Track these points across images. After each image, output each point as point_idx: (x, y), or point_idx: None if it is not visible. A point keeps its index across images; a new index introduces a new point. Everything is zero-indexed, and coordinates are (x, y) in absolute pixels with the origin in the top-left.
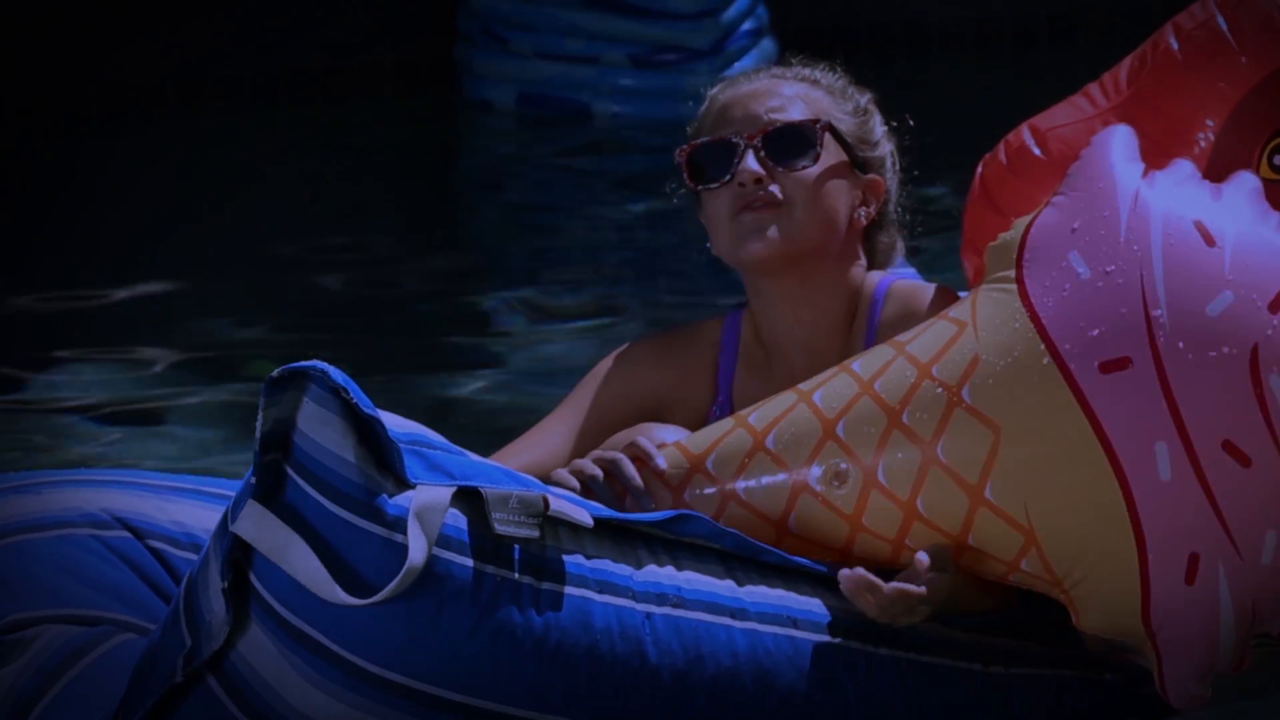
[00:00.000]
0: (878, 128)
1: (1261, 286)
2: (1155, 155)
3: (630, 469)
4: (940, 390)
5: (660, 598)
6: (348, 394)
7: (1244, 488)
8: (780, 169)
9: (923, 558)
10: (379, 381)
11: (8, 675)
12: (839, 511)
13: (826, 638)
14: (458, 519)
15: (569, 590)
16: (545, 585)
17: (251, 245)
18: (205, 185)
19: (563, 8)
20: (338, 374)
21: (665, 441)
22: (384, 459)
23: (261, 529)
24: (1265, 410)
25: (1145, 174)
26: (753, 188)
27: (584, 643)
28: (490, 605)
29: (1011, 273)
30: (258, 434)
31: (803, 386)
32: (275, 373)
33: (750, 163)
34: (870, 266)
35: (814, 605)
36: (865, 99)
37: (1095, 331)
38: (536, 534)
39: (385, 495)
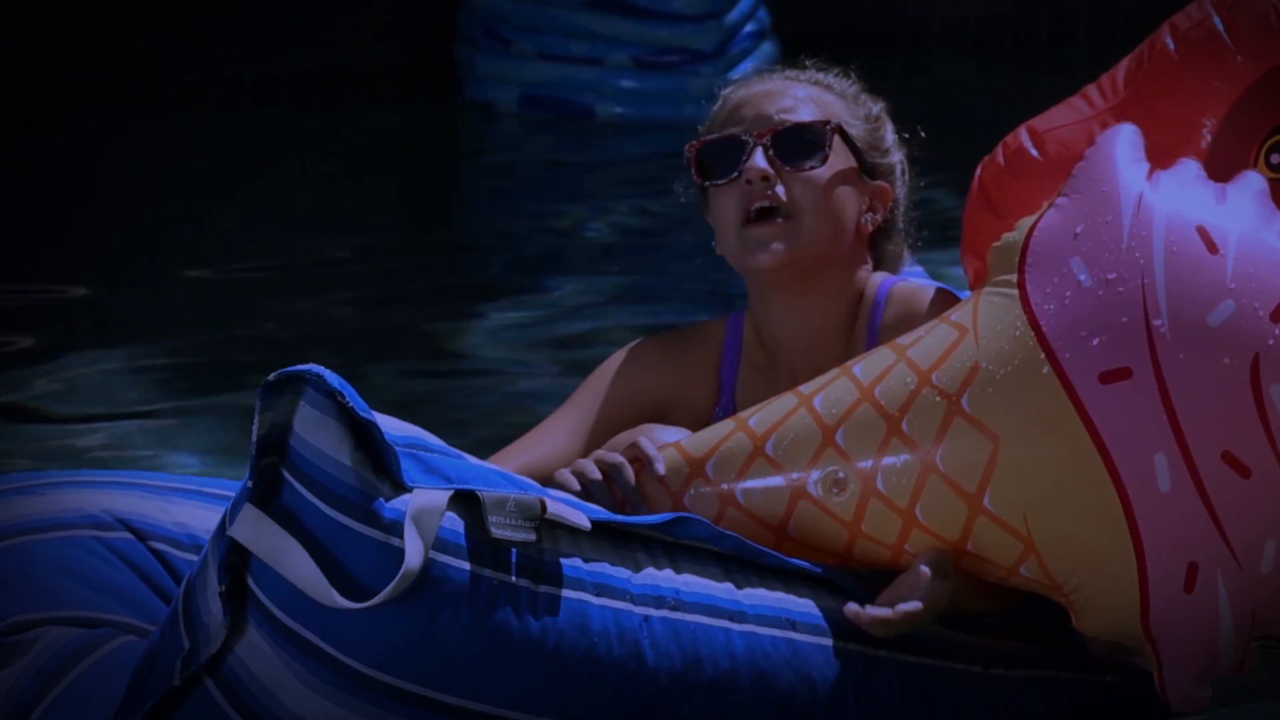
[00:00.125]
0: (888, 136)
1: (1264, 295)
2: (1155, 155)
3: (629, 474)
4: (940, 399)
5: (658, 600)
6: (344, 398)
7: (1244, 498)
8: (788, 169)
9: (925, 570)
10: (379, 382)
11: (8, 677)
12: (838, 518)
13: (825, 640)
14: (455, 522)
15: (566, 593)
16: (542, 588)
17: (252, 246)
18: (205, 186)
19: (566, 9)
20: (333, 378)
21: (666, 442)
22: (381, 462)
23: (258, 533)
24: (1266, 421)
25: (1150, 174)
26: (759, 185)
27: (581, 646)
28: (487, 609)
29: (1013, 277)
30: (254, 438)
31: (803, 389)
32: (271, 377)
33: (758, 160)
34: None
35: (813, 607)
36: (878, 108)
37: (1095, 341)
38: (533, 537)
39: (382, 499)
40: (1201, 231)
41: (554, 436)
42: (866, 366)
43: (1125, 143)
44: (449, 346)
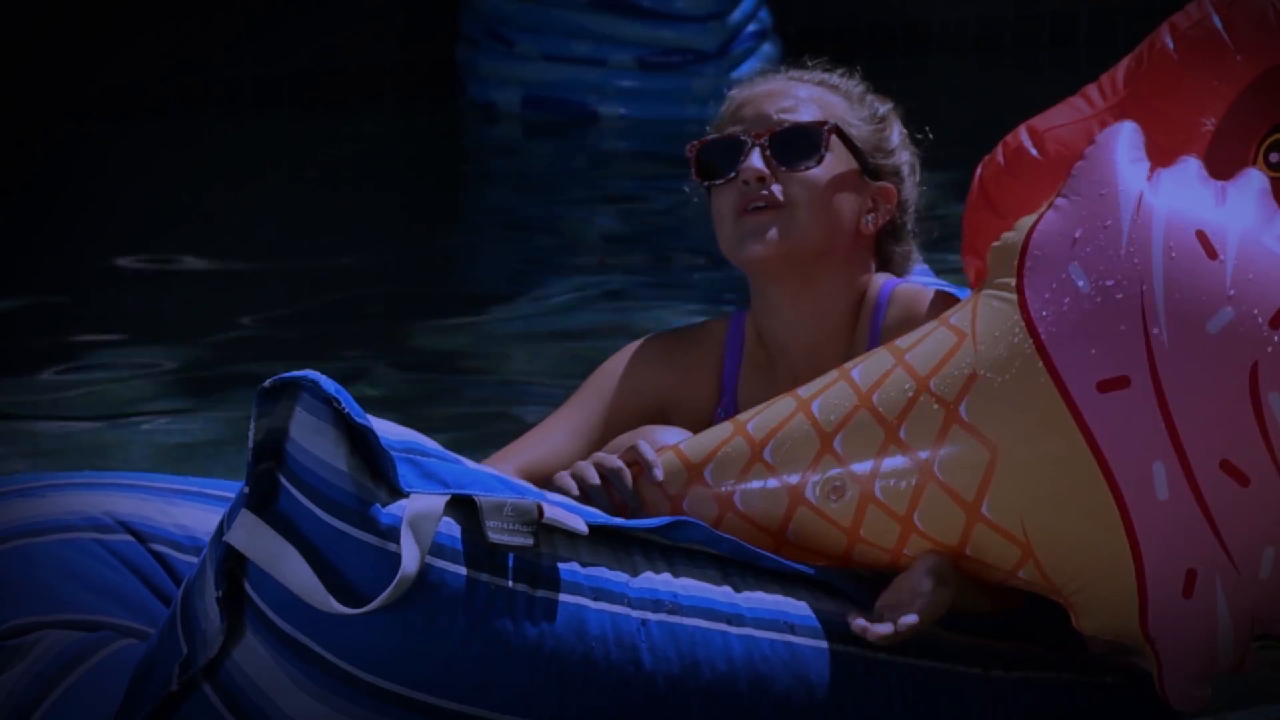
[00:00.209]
0: (894, 137)
1: (1263, 302)
2: (1156, 154)
3: (627, 479)
4: (938, 406)
5: (656, 604)
6: (339, 403)
7: (1242, 506)
8: (783, 169)
9: (926, 581)
10: (380, 383)
11: (7, 680)
12: (836, 523)
13: (824, 643)
14: (451, 527)
15: (564, 598)
16: (540, 593)
17: (252, 247)
18: (205, 186)
19: (569, 10)
20: (329, 384)
21: (666, 444)
22: (377, 468)
23: (254, 538)
24: (1264, 429)
25: (1151, 173)
26: (755, 185)
27: (579, 650)
28: (484, 613)
29: (1013, 280)
30: (250, 444)
31: (802, 393)
32: (267, 383)
33: (754, 160)
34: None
35: (811, 610)
36: (885, 108)
37: (1093, 350)
38: (530, 542)
39: (378, 504)
40: (1201, 236)
41: (556, 435)
42: (865, 370)
43: (1125, 142)
44: (451, 347)
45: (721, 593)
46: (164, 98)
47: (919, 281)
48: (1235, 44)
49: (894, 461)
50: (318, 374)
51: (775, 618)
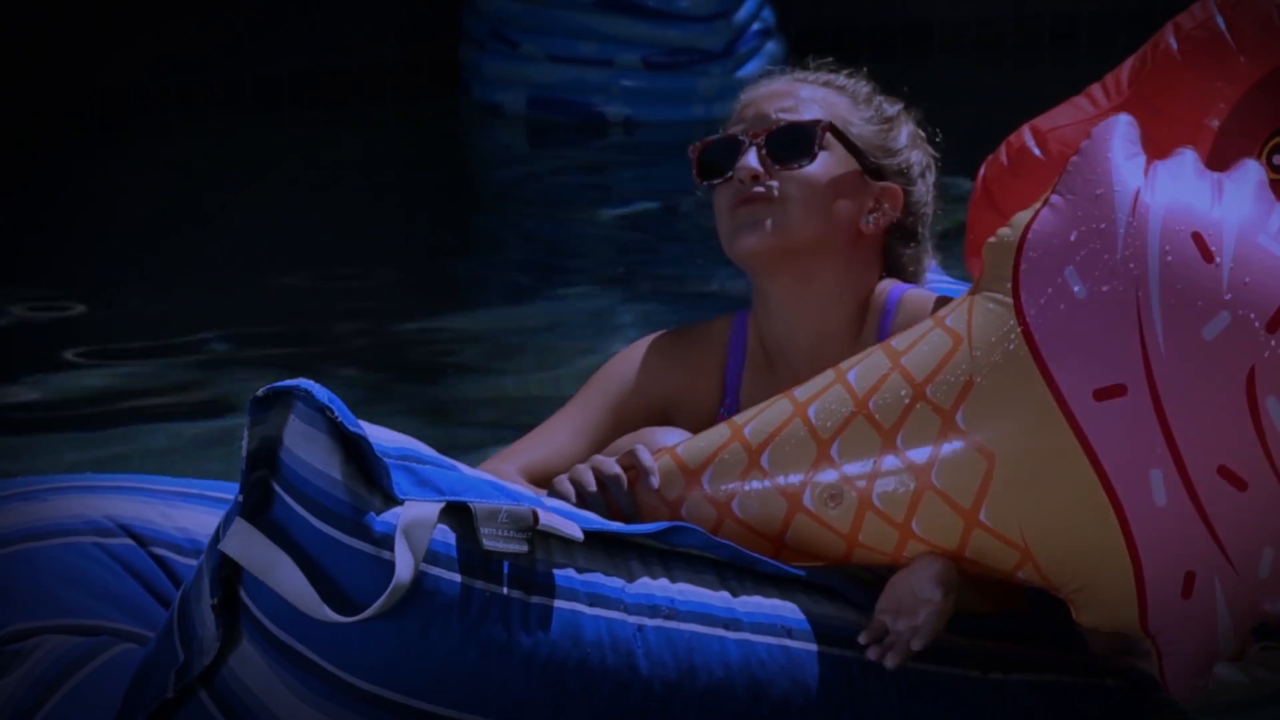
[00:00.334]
0: (901, 137)
1: (1260, 305)
2: (1153, 148)
3: (624, 487)
4: (934, 414)
5: (653, 610)
6: (333, 412)
7: (1240, 510)
8: (778, 167)
9: (933, 592)
10: (382, 384)
11: (7, 685)
12: (835, 530)
13: (821, 647)
14: (446, 534)
15: (559, 604)
16: (534, 599)
17: (253, 248)
18: (206, 188)
19: (574, 11)
20: (322, 392)
21: (665, 447)
22: (372, 476)
23: (248, 547)
24: (1261, 434)
25: (1147, 167)
26: (749, 184)
27: (574, 656)
28: (479, 620)
29: (1008, 283)
30: (244, 452)
31: (798, 395)
32: (260, 392)
33: (750, 159)
34: (893, 278)
35: (809, 614)
36: (894, 109)
37: (1090, 358)
38: (525, 549)
39: (373, 512)
40: (1197, 238)
41: (559, 435)
42: (861, 374)
43: (1121, 136)
44: (452, 348)
45: (718, 598)
46: (164, 98)
47: (930, 288)
48: (1239, 45)
49: (891, 469)
50: (311, 383)
51: (772, 622)
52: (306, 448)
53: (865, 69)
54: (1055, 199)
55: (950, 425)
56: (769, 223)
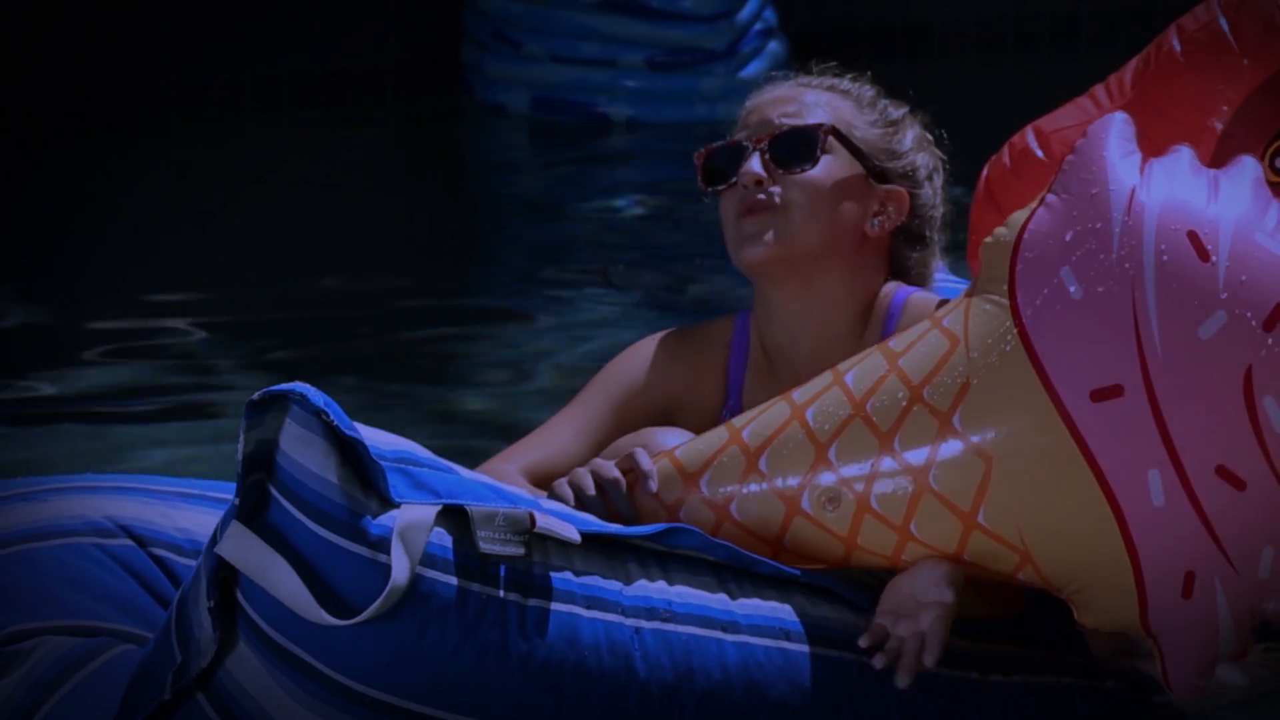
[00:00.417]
0: (906, 140)
1: (1256, 303)
2: (1149, 146)
3: (623, 492)
4: (931, 417)
5: (650, 612)
6: (328, 416)
7: (1238, 510)
8: (781, 172)
9: (946, 594)
10: (384, 385)
11: (6, 686)
12: (833, 533)
13: (820, 649)
14: (443, 537)
15: (556, 606)
16: (531, 602)
17: (253, 248)
18: (206, 188)
19: (577, 11)
20: (318, 396)
21: (667, 447)
22: (368, 479)
23: (244, 550)
24: (1259, 433)
25: (1143, 165)
26: (753, 189)
27: (571, 659)
28: (475, 623)
29: (1004, 285)
30: (240, 456)
31: (797, 397)
32: (256, 395)
33: (753, 165)
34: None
35: (808, 616)
36: (899, 113)
37: (1086, 358)
38: (522, 551)
39: (369, 515)
40: (1193, 237)
41: (561, 434)
42: (858, 376)
43: (1116, 134)
44: (453, 348)
45: (717, 600)
46: (164, 98)
47: (937, 290)
48: (1242, 47)
49: (889, 472)
50: (306, 386)
51: (770, 624)
52: (303, 451)
53: (870, 73)
54: (1051, 198)
55: (947, 427)
56: (773, 233)
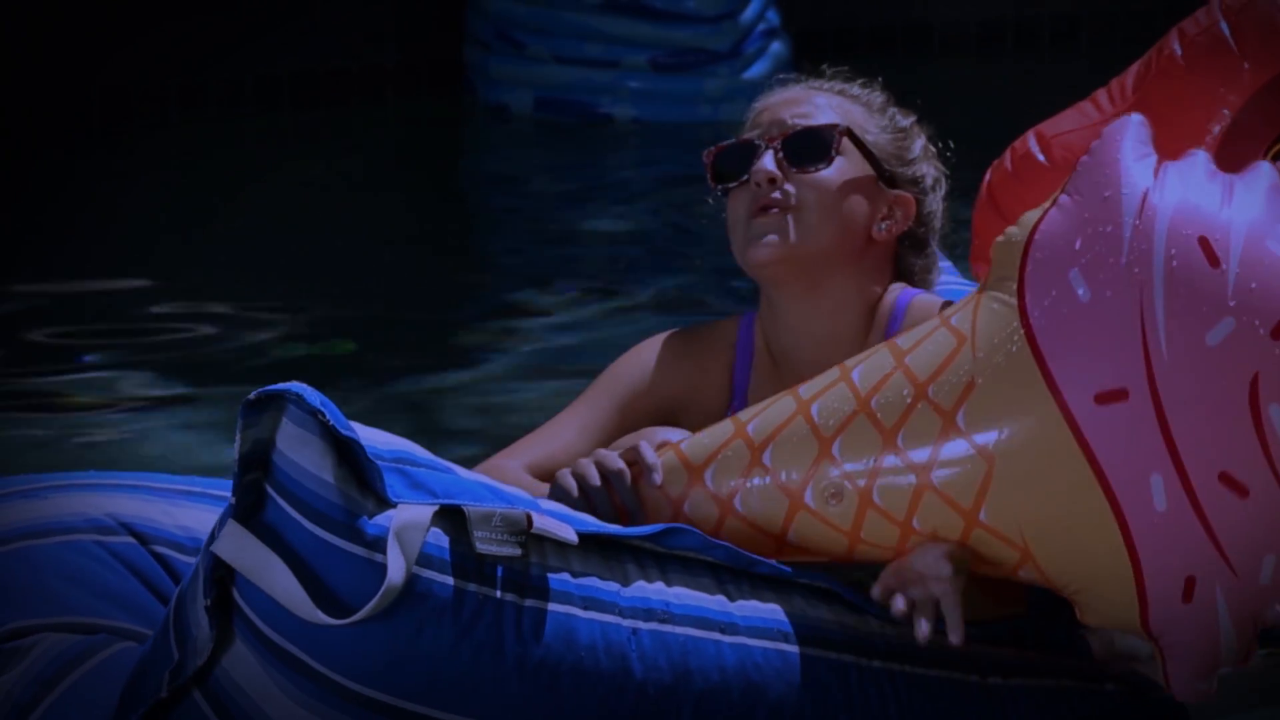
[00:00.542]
0: (915, 148)
1: (1264, 311)
2: (1165, 149)
3: (627, 481)
4: (935, 415)
5: (648, 613)
6: (324, 416)
7: (1241, 517)
8: (794, 170)
9: (944, 568)
10: (386, 385)
11: (5, 683)
12: (836, 527)
13: (818, 651)
14: (440, 538)
15: (553, 607)
16: (528, 602)
17: (253, 248)
18: (207, 188)
19: (580, 12)
20: (314, 396)
21: (669, 441)
22: (365, 479)
23: (240, 549)
24: (1264, 441)
25: (1158, 168)
26: (766, 188)
27: (568, 659)
28: (471, 623)
29: (1014, 284)
30: (236, 455)
31: (802, 392)
32: (252, 396)
33: (766, 163)
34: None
35: (806, 618)
36: (908, 121)
37: (1092, 360)
38: (519, 552)
39: (365, 515)
40: (1204, 243)
41: (565, 432)
42: (865, 372)
43: (1132, 136)
44: (454, 349)
45: (715, 601)
46: (164, 98)
47: (941, 291)
48: (1242, 51)
49: (891, 468)
50: (303, 386)
51: (769, 626)
52: (299, 451)
53: (880, 79)
54: (1064, 199)
55: (951, 425)
56: (785, 233)
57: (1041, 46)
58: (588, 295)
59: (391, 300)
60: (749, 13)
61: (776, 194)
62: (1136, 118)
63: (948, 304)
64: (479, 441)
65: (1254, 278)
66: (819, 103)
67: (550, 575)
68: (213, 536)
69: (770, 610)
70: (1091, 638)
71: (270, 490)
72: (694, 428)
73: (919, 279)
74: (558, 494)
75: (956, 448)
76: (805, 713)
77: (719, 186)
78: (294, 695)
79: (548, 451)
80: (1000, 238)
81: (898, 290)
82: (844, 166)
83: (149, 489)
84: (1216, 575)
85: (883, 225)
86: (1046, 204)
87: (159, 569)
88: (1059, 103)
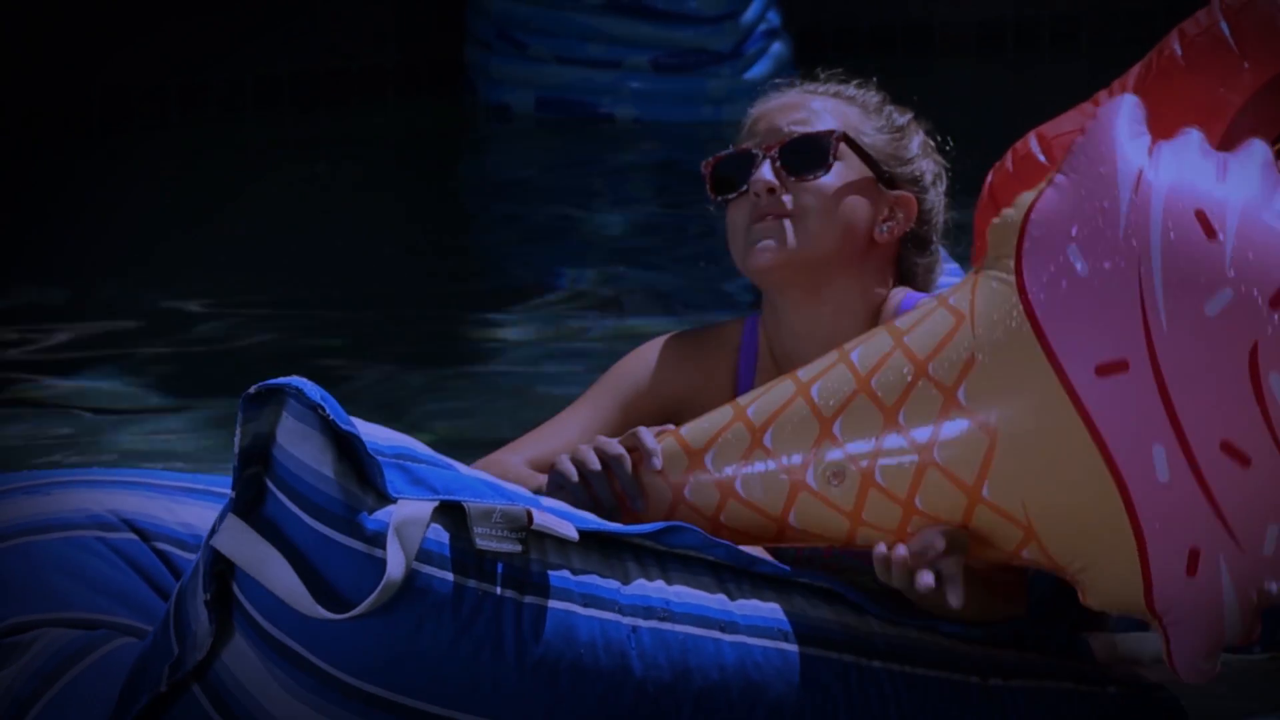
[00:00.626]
0: (913, 146)
1: (1262, 281)
2: (1158, 128)
3: (627, 467)
4: (936, 392)
5: (648, 611)
6: (324, 410)
7: (1244, 486)
8: (793, 179)
9: (938, 541)
10: (387, 384)
11: (5, 678)
12: (838, 508)
13: (818, 650)
14: (440, 533)
15: (552, 604)
16: (528, 599)
17: (253, 248)
18: (207, 188)
19: (582, 12)
20: (314, 390)
21: (669, 429)
22: (364, 474)
23: (240, 543)
24: (1265, 410)
25: (1152, 148)
26: (766, 197)
27: (568, 656)
28: (471, 619)
29: (1011, 262)
30: (236, 449)
31: (802, 375)
32: (252, 389)
33: (765, 172)
34: (906, 286)
35: (807, 617)
36: (904, 118)
37: (1092, 333)
38: (519, 548)
39: (365, 510)
40: (1200, 216)
41: (568, 429)
42: (864, 353)
43: (1126, 115)
44: (454, 349)
45: (715, 600)
46: (164, 98)
47: (947, 284)
48: (1242, 51)
49: (893, 445)
50: (303, 380)
51: (769, 625)
52: (299, 445)
53: (875, 79)
54: (1059, 178)
55: (952, 401)
56: (786, 239)
57: (1041, 46)
58: (589, 296)
59: (391, 300)
60: (750, 13)
61: (776, 204)
62: (1130, 98)
63: None
64: (479, 441)
65: (1251, 249)
66: (815, 107)
67: (550, 572)
68: (213, 531)
69: (770, 609)
70: (1093, 640)
71: (270, 484)
72: None
73: (922, 279)
74: (556, 480)
75: (958, 423)
76: (805, 712)
77: (719, 198)
78: (293, 690)
79: (550, 448)
80: (996, 220)
81: (901, 294)
82: (843, 171)
83: (151, 486)
84: (1220, 546)
85: (884, 227)
86: (1042, 184)
87: (161, 565)
88: (1059, 103)
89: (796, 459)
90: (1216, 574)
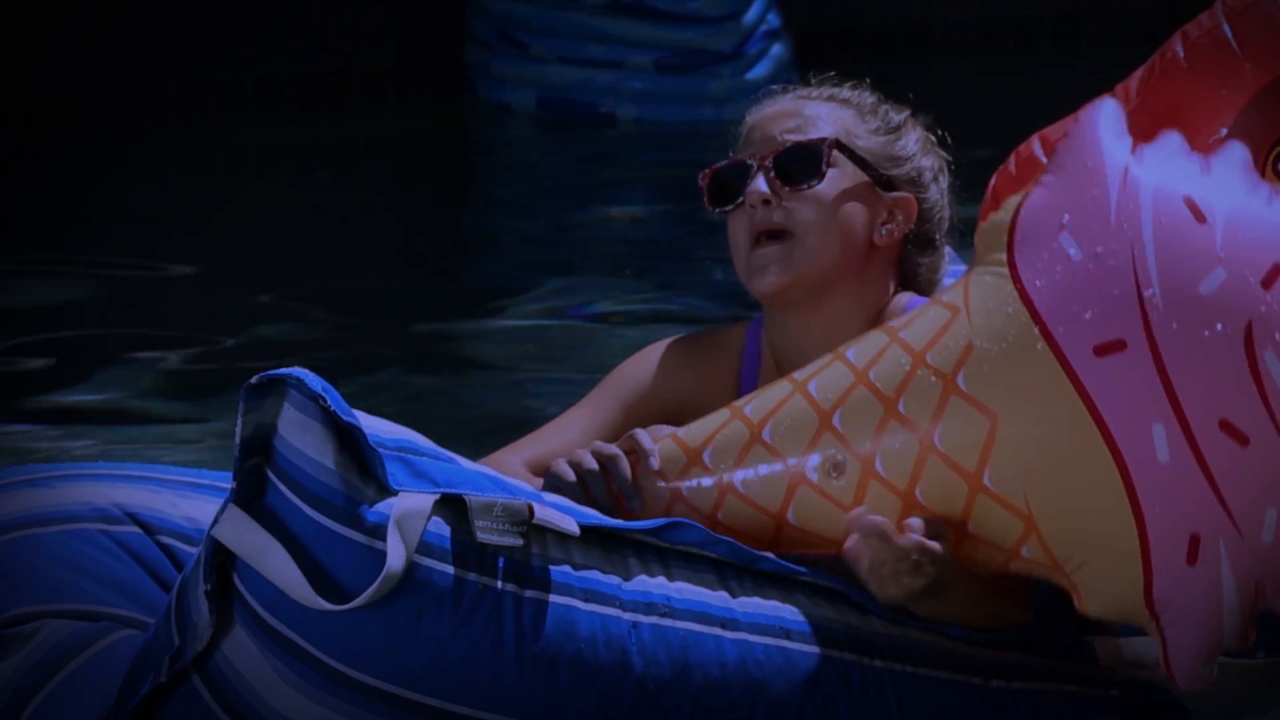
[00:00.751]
0: (910, 145)
1: (1253, 262)
2: (1138, 132)
3: (624, 467)
4: (935, 379)
5: (649, 607)
6: (326, 401)
7: (1243, 466)
8: (787, 190)
9: (915, 521)
10: (388, 384)
11: (6, 669)
12: (837, 502)
13: (820, 649)
14: (441, 526)
15: (553, 598)
16: (528, 593)
17: (253, 248)
18: (207, 188)
19: (584, 13)
20: (315, 381)
21: (664, 434)
22: (366, 466)
23: (240, 534)
24: (1261, 388)
25: (1134, 149)
26: (762, 209)
27: (567, 651)
28: (470, 613)
29: (1003, 255)
30: (238, 439)
31: (798, 376)
32: (254, 379)
33: (759, 185)
34: (909, 289)
35: (809, 616)
36: (900, 117)
37: (1088, 314)
38: (520, 542)
39: (366, 502)
40: (1189, 202)
41: (568, 431)
42: (859, 350)
43: (1108, 118)
44: (456, 351)
45: (717, 597)
46: (164, 98)
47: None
48: (1245, 53)
49: (894, 435)
50: (305, 371)
51: (771, 623)
52: (301, 436)
53: (868, 80)
54: (1046, 178)
55: (952, 388)
56: (787, 261)
57: (1041, 46)
58: (590, 296)
59: (391, 300)
60: (751, 14)
61: (773, 216)
62: (1109, 101)
63: None
64: (479, 441)
65: (1240, 232)
66: (809, 113)
67: (551, 567)
68: (215, 521)
69: (773, 607)
70: (1097, 644)
71: (271, 475)
72: None
73: (925, 279)
74: (552, 482)
75: (959, 409)
76: (805, 711)
77: (716, 209)
78: (292, 681)
79: (550, 449)
80: (983, 224)
81: (906, 298)
82: (838, 179)
83: (156, 480)
84: (1220, 532)
85: (884, 230)
86: (1028, 186)
87: (164, 559)
88: (1059, 103)
89: (796, 452)
90: (1217, 563)
